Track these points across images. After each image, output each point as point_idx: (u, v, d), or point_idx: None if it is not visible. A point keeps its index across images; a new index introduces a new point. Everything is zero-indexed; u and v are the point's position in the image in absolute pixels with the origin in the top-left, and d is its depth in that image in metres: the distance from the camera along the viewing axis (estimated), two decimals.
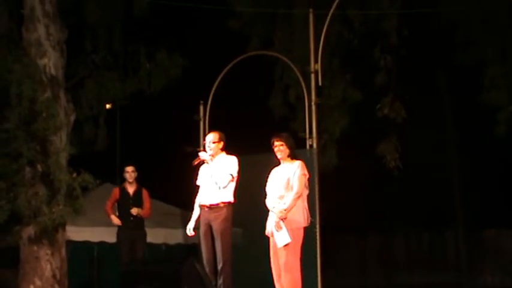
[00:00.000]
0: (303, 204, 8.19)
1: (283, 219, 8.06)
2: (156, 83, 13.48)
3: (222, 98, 13.04)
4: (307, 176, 8.26)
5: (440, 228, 24.21)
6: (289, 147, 8.35)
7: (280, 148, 8.36)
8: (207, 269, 8.76)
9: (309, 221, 8.28)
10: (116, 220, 11.57)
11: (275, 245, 8.18)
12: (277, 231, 8.07)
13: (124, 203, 11.67)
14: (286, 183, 8.20)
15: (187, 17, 17.73)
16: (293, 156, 8.37)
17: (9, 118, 10.43)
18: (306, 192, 8.26)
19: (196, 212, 9.17)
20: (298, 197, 8.12)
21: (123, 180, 11.95)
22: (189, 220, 9.21)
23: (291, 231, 8.06)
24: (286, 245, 8.05)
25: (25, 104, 10.46)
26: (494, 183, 22.12)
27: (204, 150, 9.16)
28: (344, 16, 14.78)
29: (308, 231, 9.17)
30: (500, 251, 22.75)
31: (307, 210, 8.25)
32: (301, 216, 8.14)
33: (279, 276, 8.18)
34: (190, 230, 9.13)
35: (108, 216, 11.68)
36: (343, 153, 15.80)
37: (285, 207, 8.10)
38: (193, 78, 14.77)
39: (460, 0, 14.96)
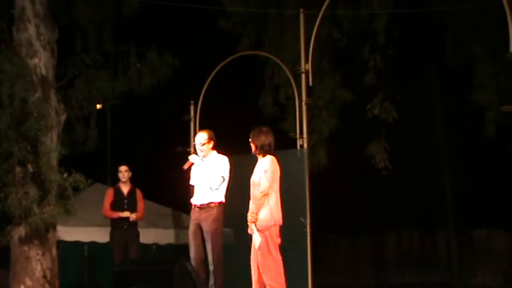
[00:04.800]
0: (269, 202, 7.88)
1: (253, 222, 7.89)
2: (146, 82, 13.44)
3: (213, 98, 13.04)
4: (271, 172, 7.90)
5: (431, 228, 24.23)
6: (255, 144, 8.03)
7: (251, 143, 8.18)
8: None
9: (280, 220, 8.00)
10: (125, 214, 11.58)
11: (253, 245, 8.03)
12: (252, 234, 7.97)
13: (118, 203, 11.66)
14: (254, 183, 8.00)
15: (177, 16, 17.72)
16: (263, 152, 8.01)
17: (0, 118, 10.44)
18: (273, 189, 7.92)
19: None
20: (264, 195, 7.84)
21: (116, 180, 11.95)
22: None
23: (258, 232, 7.87)
24: (259, 246, 7.88)
25: (17, 104, 10.46)
26: (485, 183, 22.16)
27: (195, 151, 9.15)
28: (334, 16, 14.76)
29: (299, 231, 9.20)
30: (491, 251, 22.81)
31: (277, 209, 7.96)
32: (266, 215, 7.87)
33: (257, 276, 8.00)
34: None
35: (113, 216, 11.64)
36: (334, 153, 15.79)
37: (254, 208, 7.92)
38: (184, 77, 14.77)
39: (451, 0, 14.97)
